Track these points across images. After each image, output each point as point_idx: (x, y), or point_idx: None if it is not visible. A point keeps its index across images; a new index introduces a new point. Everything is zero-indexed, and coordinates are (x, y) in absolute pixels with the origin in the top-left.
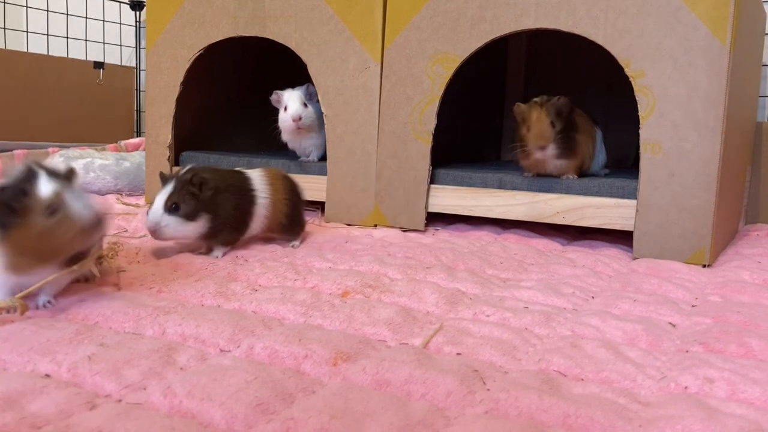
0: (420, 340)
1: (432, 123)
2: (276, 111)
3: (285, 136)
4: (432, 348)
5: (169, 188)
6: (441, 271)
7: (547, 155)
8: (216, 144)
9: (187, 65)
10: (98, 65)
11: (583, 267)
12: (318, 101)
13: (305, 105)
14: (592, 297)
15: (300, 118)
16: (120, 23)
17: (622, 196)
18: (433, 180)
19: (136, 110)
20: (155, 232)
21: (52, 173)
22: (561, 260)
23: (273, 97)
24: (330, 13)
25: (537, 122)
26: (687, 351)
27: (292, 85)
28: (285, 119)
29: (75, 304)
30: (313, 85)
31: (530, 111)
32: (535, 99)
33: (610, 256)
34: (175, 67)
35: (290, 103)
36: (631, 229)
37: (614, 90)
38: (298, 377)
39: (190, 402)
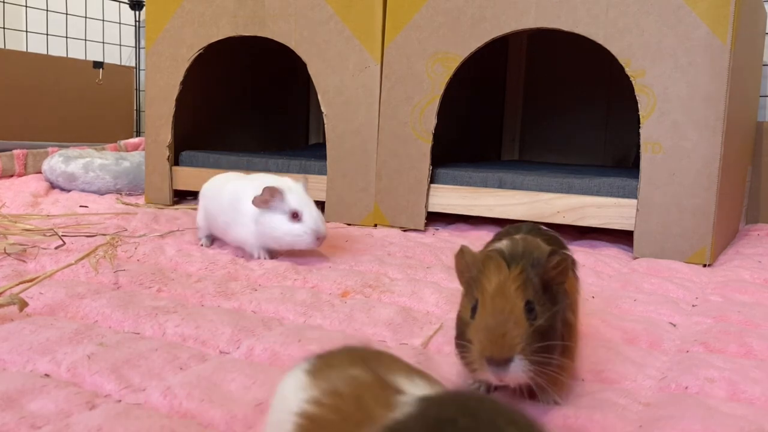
0: (420, 340)
1: (432, 122)
2: (275, 111)
3: (284, 246)
4: (432, 348)
5: None
6: (441, 270)
7: (510, 377)
8: (216, 144)
9: (187, 65)
10: (98, 65)
11: (583, 266)
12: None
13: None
14: (592, 297)
15: (325, 236)
16: (119, 23)
17: (623, 196)
18: (433, 179)
19: (136, 110)
20: None
21: None
22: None
23: (263, 197)
24: (330, 13)
25: (496, 300)
26: (687, 351)
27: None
28: (299, 233)
29: (74, 303)
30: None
31: (488, 269)
32: (498, 245)
33: (610, 255)
34: (174, 67)
35: (306, 212)
36: (631, 229)
37: (614, 89)
38: None
39: (189, 402)
